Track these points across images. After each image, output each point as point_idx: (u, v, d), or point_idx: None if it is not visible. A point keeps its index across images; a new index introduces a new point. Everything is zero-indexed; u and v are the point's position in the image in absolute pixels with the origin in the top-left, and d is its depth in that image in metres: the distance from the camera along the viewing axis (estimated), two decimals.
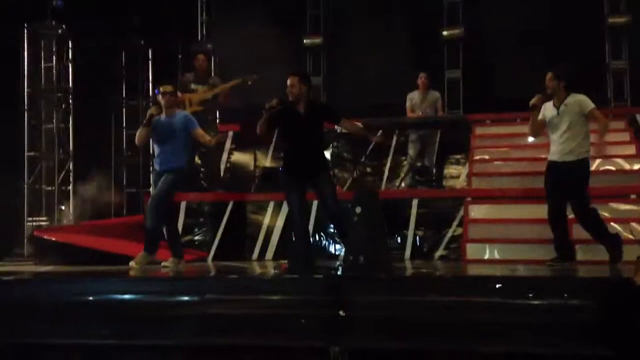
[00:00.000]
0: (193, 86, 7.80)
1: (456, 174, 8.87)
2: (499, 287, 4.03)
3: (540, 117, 5.97)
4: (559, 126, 5.79)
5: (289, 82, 5.50)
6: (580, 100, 5.79)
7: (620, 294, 3.43)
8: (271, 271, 5.71)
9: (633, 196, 6.84)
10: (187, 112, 6.37)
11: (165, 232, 5.99)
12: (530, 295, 3.93)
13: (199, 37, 11.14)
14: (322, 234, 7.36)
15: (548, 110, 5.89)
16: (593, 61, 9.95)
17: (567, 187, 5.75)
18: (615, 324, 3.63)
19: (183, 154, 5.99)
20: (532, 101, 5.90)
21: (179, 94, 7.74)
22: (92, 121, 10.40)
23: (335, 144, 9.07)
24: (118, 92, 11.09)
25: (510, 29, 10.10)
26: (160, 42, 10.93)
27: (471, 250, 6.72)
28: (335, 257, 7.15)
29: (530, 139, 7.54)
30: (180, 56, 10.94)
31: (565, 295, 3.79)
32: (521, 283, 4.21)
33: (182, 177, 6.02)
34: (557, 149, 5.81)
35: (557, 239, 5.81)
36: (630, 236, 6.15)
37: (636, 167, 7.36)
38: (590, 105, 5.78)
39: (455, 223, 7.21)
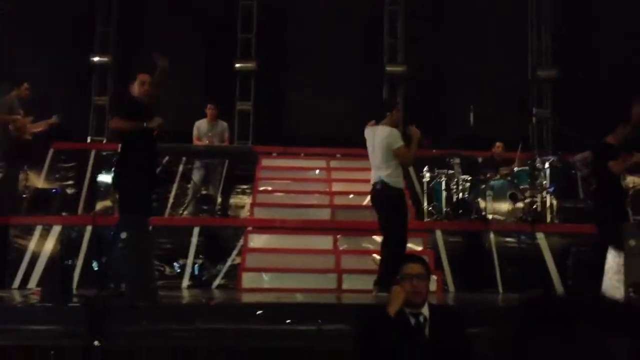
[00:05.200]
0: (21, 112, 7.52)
1: (242, 204, 8.95)
2: (260, 314, 4.10)
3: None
4: None
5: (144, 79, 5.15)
6: None
7: (376, 322, 3.61)
8: (24, 300, 5.25)
9: None
10: None
11: None
12: (289, 321, 4.04)
13: None
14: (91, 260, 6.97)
15: None
16: None
17: None
18: (369, 350, 3.83)
19: None
20: None
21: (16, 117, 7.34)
22: None
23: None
24: None
25: (307, 64, 10.57)
26: None
27: (248, 279, 6.76)
28: None
29: None
30: None
31: (320, 321, 3.95)
32: (282, 310, 4.31)
33: None
34: None
35: None
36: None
37: None
38: None
39: (235, 252, 7.25)
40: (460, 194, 8.13)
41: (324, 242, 7.20)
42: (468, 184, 8.24)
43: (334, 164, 9.19)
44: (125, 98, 5.14)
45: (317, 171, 9.08)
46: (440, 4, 11.17)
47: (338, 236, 7.15)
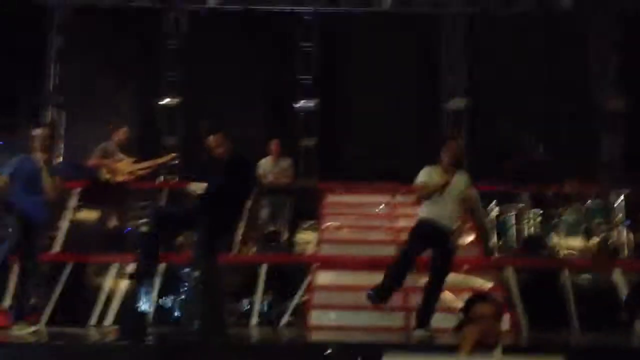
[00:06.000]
0: (121, 155, 7.86)
1: (307, 241, 8.99)
2: (329, 354, 4.10)
3: None
4: None
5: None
6: None
7: None
8: (103, 338, 5.42)
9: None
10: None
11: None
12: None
13: (51, 88, 10.75)
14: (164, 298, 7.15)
15: None
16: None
17: None
18: None
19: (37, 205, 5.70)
20: None
21: (106, 161, 7.75)
22: None
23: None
24: None
25: (368, 100, 10.67)
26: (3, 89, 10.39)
27: (315, 317, 6.76)
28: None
29: None
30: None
31: None
32: (350, 349, 4.30)
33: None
34: None
35: None
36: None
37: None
38: None
39: (302, 289, 7.27)
40: (531, 229, 7.95)
41: None
42: (539, 219, 8.05)
43: (398, 199, 9.15)
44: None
45: (382, 207, 9.07)
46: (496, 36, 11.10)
47: None
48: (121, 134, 7.96)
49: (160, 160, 8.37)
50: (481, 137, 10.45)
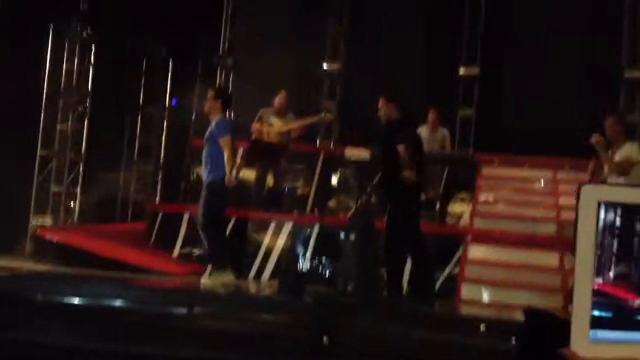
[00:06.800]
0: (272, 119, 8.15)
1: (460, 213, 8.84)
2: (482, 329, 4.04)
3: None
4: None
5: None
6: None
7: None
8: (262, 291, 5.74)
9: None
10: (222, 119, 6.28)
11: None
12: (511, 339, 3.93)
13: (221, 51, 11.32)
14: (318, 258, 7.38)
15: None
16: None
17: None
18: None
19: (218, 164, 5.93)
20: None
21: (257, 125, 8.11)
22: (107, 126, 10.55)
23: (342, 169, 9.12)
24: (135, 100, 11.26)
25: (528, 69, 10.12)
26: (182, 53, 11.12)
27: (466, 290, 6.69)
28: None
29: None
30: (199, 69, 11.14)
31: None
32: (505, 326, 4.20)
33: (215, 190, 5.94)
34: None
35: None
36: None
37: None
38: None
39: (453, 261, 7.19)
40: None
41: (549, 258, 6.84)
42: None
43: (561, 175, 8.68)
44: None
45: (543, 182, 8.66)
46: None
47: (565, 253, 6.74)
48: (278, 99, 8.20)
49: (310, 120, 8.49)
50: None
